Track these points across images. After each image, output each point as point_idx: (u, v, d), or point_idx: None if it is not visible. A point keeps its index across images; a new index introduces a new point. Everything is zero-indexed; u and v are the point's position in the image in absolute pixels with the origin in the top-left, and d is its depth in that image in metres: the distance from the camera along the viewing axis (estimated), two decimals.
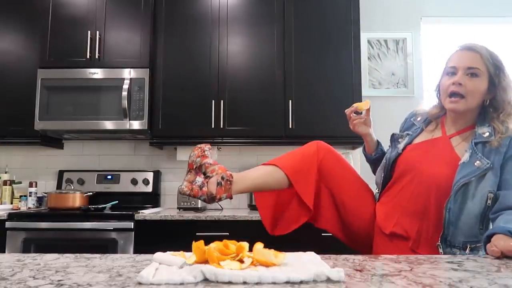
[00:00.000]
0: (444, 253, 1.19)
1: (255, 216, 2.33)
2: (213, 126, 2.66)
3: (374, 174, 1.51)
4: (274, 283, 0.70)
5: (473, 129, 1.28)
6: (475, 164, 1.18)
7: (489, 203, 1.18)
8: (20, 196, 2.79)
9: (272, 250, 0.84)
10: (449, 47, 3.36)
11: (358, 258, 0.98)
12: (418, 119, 1.41)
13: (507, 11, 3.13)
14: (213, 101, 2.68)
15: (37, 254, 0.99)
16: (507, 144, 1.22)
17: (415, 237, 1.25)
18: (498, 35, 3.19)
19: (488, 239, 1.04)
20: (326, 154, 1.33)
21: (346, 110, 1.47)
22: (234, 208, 2.93)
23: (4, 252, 2.28)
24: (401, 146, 1.36)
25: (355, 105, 1.44)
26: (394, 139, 1.43)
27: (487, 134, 1.23)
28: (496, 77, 1.24)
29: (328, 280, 0.73)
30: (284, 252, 0.86)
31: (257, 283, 0.70)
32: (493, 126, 1.23)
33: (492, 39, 3.18)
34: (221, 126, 2.67)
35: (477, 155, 1.19)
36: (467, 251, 1.18)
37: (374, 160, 1.50)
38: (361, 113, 1.45)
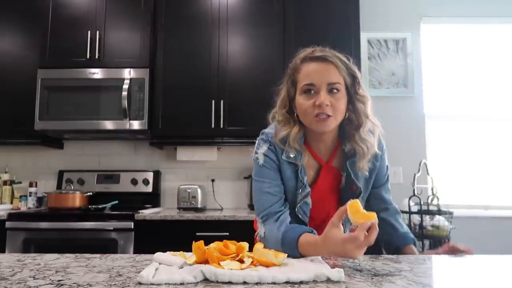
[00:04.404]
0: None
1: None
2: (213, 126, 2.66)
3: None
4: (274, 283, 0.70)
5: (340, 146, 1.21)
6: (352, 188, 1.20)
7: None
8: (20, 196, 2.79)
9: (272, 250, 0.85)
10: (448, 47, 3.33)
11: (358, 258, 0.98)
12: (292, 155, 1.18)
13: (507, 11, 3.13)
14: (213, 101, 2.68)
15: (37, 254, 1.00)
16: (373, 161, 1.20)
17: None
18: (498, 35, 3.19)
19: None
20: None
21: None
22: (234, 208, 2.93)
23: (4, 252, 2.28)
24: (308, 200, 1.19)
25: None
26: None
27: (355, 152, 1.17)
28: (352, 88, 1.14)
29: (328, 280, 0.73)
30: (284, 252, 0.86)
31: (257, 283, 0.70)
32: (355, 146, 1.15)
33: (492, 39, 3.18)
34: (221, 126, 2.67)
35: (351, 178, 1.18)
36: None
37: None
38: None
